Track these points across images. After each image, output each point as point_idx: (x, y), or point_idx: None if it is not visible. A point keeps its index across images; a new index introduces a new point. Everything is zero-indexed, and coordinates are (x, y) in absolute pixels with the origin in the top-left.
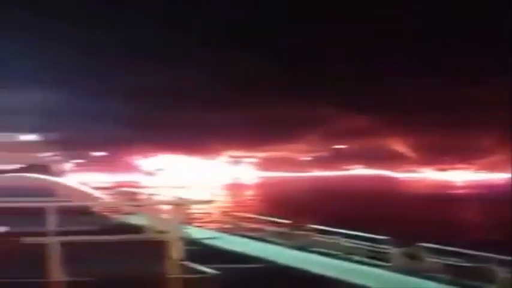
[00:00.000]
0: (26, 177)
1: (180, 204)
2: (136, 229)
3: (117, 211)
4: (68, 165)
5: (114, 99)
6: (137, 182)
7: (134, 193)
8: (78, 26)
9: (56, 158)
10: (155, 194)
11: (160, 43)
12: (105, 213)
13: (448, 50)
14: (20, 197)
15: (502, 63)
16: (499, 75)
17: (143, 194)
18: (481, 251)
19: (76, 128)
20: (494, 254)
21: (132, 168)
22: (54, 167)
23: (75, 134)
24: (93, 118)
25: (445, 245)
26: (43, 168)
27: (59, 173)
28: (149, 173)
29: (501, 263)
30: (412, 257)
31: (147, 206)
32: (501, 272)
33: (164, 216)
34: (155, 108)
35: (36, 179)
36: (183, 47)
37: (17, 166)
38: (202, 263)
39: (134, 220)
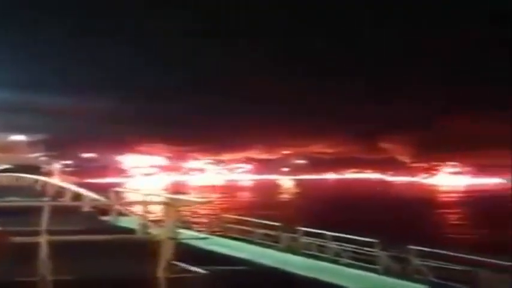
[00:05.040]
0: (17, 177)
1: (171, 205)
2: (127, 230)
3: (109, 212)
4: (57, 166)
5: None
6: (128, 184)
7: (126, 194)
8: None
9: (46, 158)
10: (147, 195)
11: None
12: (96, 213)
13: None
14: (10, 196)
15: None
16: None
17: (135, 194)
18: (469, 255)
19: (66, 129)
20: (483, 257)
21: (123, 170)
22: (45, 167)
23: (66, 135)
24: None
25: (433, 248)
26: (33, 168)
27: (49, 174)
28: (140, 175)
29: (486, 266)
30: (400, 259)
31: (139, 206)
32: (485, 275)
33: (155, 216)
34: (146, 109)
35: (27, 178)
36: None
37: (7, 166)
38: (191, 263)
39: (124, 221)
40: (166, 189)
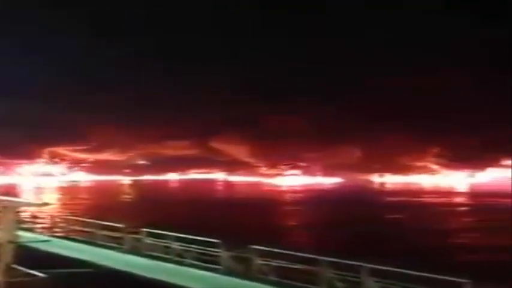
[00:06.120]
0: None
1: (8, 207)
2: None
3: None
4: None
5: None
6: None
7: None
8: None
9: None
10: None
11: None
12: None
13: None
14: None
15: None
16: None
17: None
18: (312, 254)
19: None
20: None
21: None
22: None
23: None
24: None
25: (274, 248)
26: None
27: None
28: None
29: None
30: (242, 259)
31: None
32: (329, 274)
33: None
34: None
35: None
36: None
37: None
38: (31, 267)
39: None
40: (3, 192)
